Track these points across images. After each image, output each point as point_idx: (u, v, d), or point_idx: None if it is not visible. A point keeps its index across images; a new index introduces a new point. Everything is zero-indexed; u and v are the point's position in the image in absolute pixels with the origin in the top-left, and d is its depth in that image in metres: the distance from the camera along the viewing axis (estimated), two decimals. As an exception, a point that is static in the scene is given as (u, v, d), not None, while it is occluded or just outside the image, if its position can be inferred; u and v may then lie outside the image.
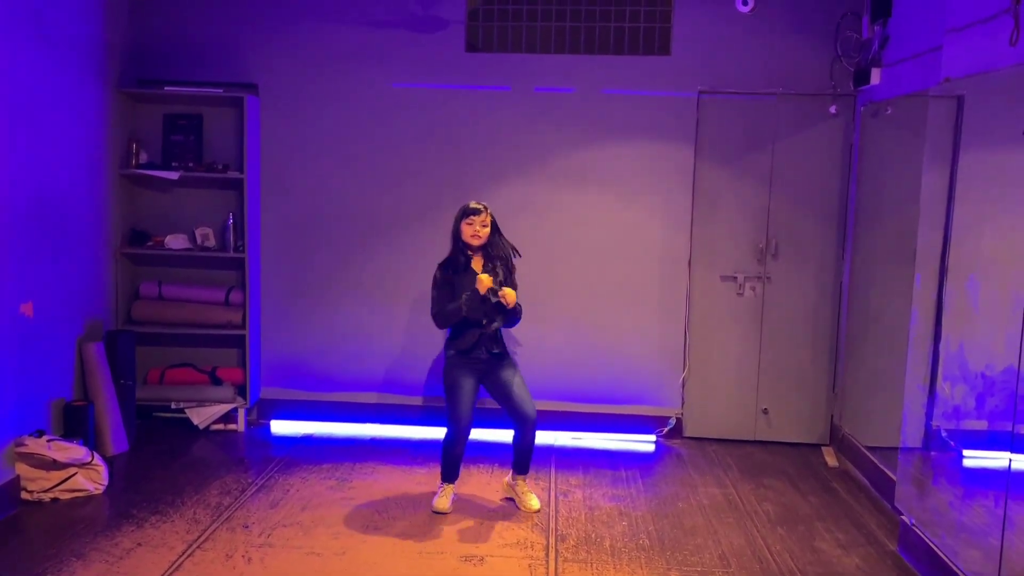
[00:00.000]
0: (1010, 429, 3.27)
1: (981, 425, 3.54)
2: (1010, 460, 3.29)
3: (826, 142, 5.59)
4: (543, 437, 5.55)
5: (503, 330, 4.50)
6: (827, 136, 5.59)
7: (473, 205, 4.39)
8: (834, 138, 5.58)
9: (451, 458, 4.52)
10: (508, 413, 4.48)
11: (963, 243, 3.82)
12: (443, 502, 4.51)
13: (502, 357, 4.44)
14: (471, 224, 4.36)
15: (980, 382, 3.52)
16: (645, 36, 5.61)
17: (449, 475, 4.56)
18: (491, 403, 4.93)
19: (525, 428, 4.48)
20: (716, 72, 5.57)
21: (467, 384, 4.39)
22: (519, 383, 4.46)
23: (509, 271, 4.46)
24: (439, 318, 4.40)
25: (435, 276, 4.45)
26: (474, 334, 4.35)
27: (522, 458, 4.57)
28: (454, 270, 4.40)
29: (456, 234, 4.42)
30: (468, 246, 4.40)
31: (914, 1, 4.65)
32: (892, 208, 4.87)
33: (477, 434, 5.60)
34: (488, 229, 4.40)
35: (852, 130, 5.53)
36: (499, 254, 4.45)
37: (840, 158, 5.59)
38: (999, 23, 3.45)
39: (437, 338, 5.75)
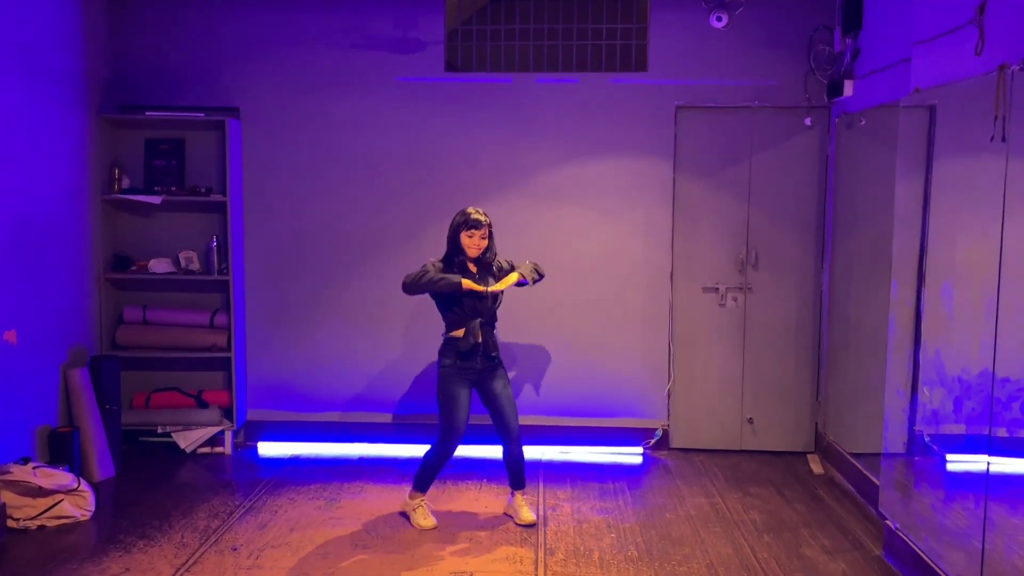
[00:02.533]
0: (987, 432, 3.32)
1: (959, 429, 3.59)
2: (988, 463, 3.33)
3: (802, 153, 5.67)
4: (531, 452, 5.56)
5: (496, 335, 4.54)
6: (803, 147, 5.67)
7: (475, 216, 4.38)
8: (810, 149, 5.66)
9: (435, 468, 4.52)
10: (495, 425, 4.53)
11: (938, 250, 3.88)
12: (429, 520, 4.51)
13: (496, 366, 4.48)
14: (472, 237, 4.38)
15: (957, 386, 3.57)
16: (622, 53, 5.68)
17: (425, 485, 4.56)
18: (478, 419, 4.95)
19: (509, 441, 4.52)
20: (692, 87, 5.65)
21: (463, 395, 4.41)
22: (507, 397, 4.49)
23: (504, 272, 4.51)
24: (414, 286, 4.32)
25: (428, 261, 4.45)
26: (470, 340, 4.34)
27: (515, 473, 4.60)
28: (449, 268, 4.41)
29: (455, 241, 4.42)
30: (465, 254, 4.42)
31: (883, 14, 4.74)
32: (868, 217, 4.94)
33: (466, 451, 5.62)
34: (487, 241, 4.44)
35: (827, 141, 5.61)
36: (492, 260, 4.48)
37: (816, 169, 5.66)
38: (964, 34, 3.54)
39: (422, 356, 5.77)
